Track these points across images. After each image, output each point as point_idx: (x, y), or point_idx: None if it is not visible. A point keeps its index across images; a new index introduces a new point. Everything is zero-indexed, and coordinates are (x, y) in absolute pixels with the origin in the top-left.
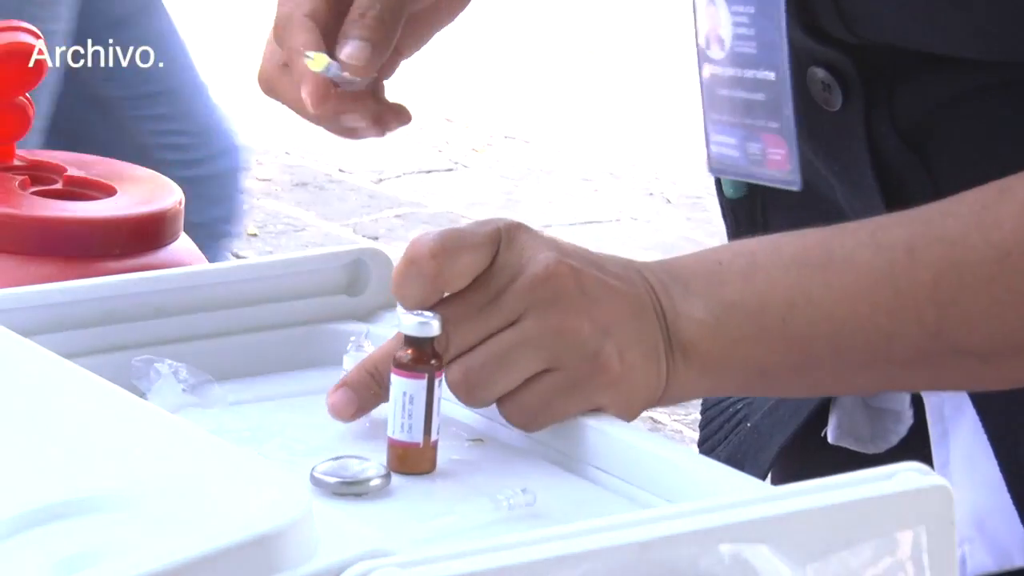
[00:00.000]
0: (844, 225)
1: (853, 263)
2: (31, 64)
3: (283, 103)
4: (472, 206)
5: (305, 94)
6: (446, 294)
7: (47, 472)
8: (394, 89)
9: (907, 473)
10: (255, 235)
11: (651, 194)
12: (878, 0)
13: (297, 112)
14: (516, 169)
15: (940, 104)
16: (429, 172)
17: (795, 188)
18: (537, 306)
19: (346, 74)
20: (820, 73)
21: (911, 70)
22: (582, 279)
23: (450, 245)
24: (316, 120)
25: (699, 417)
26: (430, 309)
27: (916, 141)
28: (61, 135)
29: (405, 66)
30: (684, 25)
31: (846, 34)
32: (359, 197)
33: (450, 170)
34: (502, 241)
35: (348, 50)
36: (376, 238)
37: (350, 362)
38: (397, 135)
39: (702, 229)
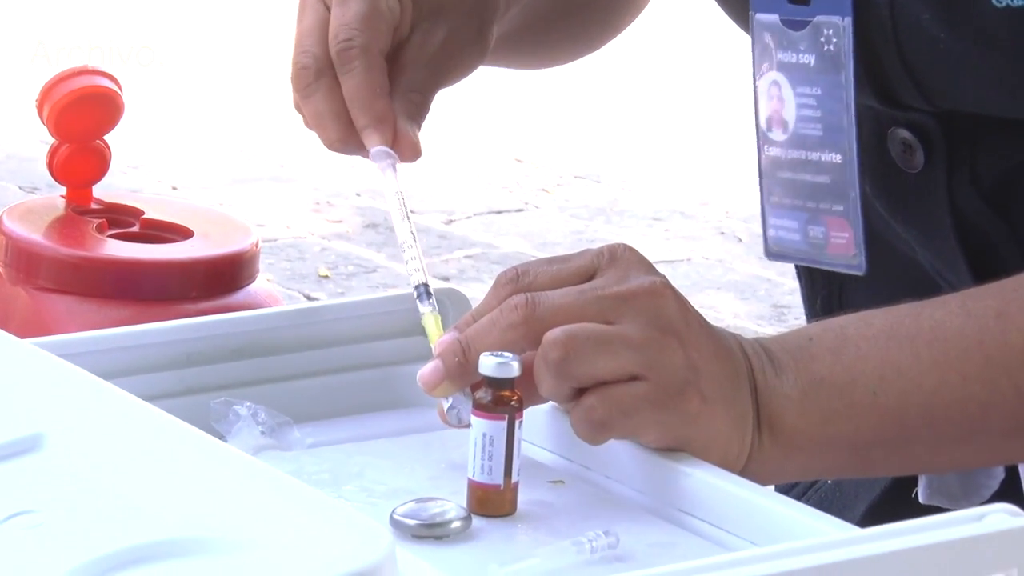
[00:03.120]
0: (935, 298)
1: (942, 332)
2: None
3: (307, 110)
4: (543, 246)
5: (370, 139)
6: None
7: (128, 515)
8: (464, 131)
9: (997, 515)
10: (327, 277)
11: (722, 233)
12: (955, 74)
13: (316, 126)
14: (586, 209)
15: (1022, 164)
16: (499, 212)
17: (859, 273)
18: (638, 315)
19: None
20: (902, 134)
21: (993, 131)
22: (685, 312)
23: (533, 264)
24: (334, 146)
25: None
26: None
27: (999, 202)
28: None
29: (475, 107)
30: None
31: (925, 105)
32: (429, 238)
33: (520, 210)
34: (603, 260)
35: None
36: (447, 279)
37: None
38: (467, 176)
39: (774, 268)
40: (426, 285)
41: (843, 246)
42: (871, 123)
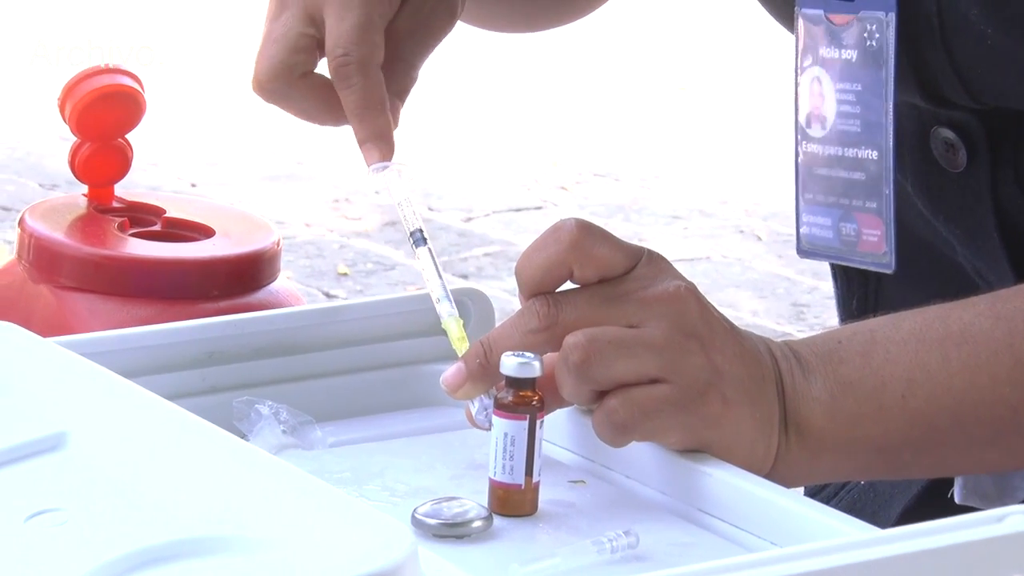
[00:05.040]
0: (963, 300)
1: (971, 335)
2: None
3: (289, 110)
4: None
5: (371, 153)
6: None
7: (151, 514)
8: (484, 129)
9: (1017, 516)
10: (346, 274)
11: (742, 232)
12: (1002, 71)
13: (304, 118)
14: (605, 207)
15: None
16: (518, 210)
17: (888, 271)
18: (660, 319)
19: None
20: (945, 133)
21: None
22: (708, 316)
23: (596, 230)
24: (321, 123)
25: None
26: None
27: None
28: None
29: (495, 106)
30: (771, 63)
31: (970, 102)
32: (448, 236)
33: (539, 208)
34: (644, 257)
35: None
36: (466, 277)
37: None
38: (486, 174)
39: (792, 267)
40: (444, 288)
41: (874, 244)
42: (913, 122)
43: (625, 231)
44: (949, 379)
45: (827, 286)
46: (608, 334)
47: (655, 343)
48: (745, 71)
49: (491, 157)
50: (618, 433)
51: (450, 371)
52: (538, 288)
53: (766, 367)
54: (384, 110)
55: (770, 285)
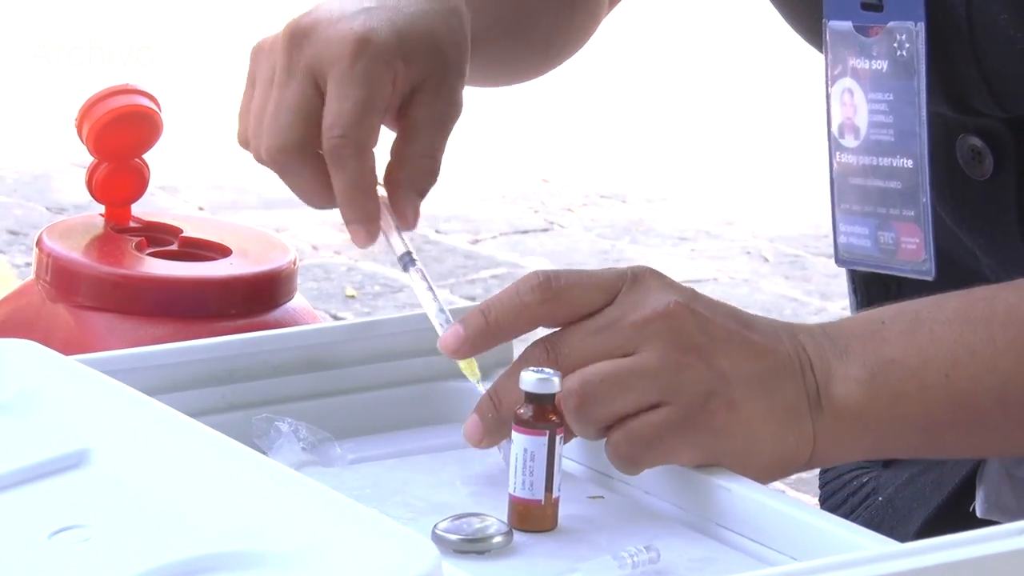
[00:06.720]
0: (1008, 282)
1: (1018, 315)
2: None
3: (288, 182)
4: (568, 265)
5: (359, 236)
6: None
7: (175, 530)
8: (490, 151)
9: None
10: (353, 296)
11: (748, 253)
12: None
13: (297, 194)
14: (612, 228)
15: None
16: (525, 232)
17: (928, 278)
18: (654, 340)
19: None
20: (972, 141)
21: None
22: (705, 324)
23: (561, 277)
24: (312, 203)
25: (801, 476)
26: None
27: None
28: None
29: (502, 127)
30: (780, 87)
31: (998, 111)
32: (455, 258)
33: (546, 230)
34: (627, 280)
35: (412, 207)
36: (474, 299)
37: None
38: (493, 196)
39: (800, 288)
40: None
41: (913, 251)
42: (939, 131)
43: (632, 252)
44: (994, 359)
45: (835, 307)
46: (600, 372)
47: (650, 368)
48: (753, 93)
49: (497, 179)
50: (628, 466)
51: (469, 424)
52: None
53: (784, 355)
54: (374, 194)
55: (777, 306)
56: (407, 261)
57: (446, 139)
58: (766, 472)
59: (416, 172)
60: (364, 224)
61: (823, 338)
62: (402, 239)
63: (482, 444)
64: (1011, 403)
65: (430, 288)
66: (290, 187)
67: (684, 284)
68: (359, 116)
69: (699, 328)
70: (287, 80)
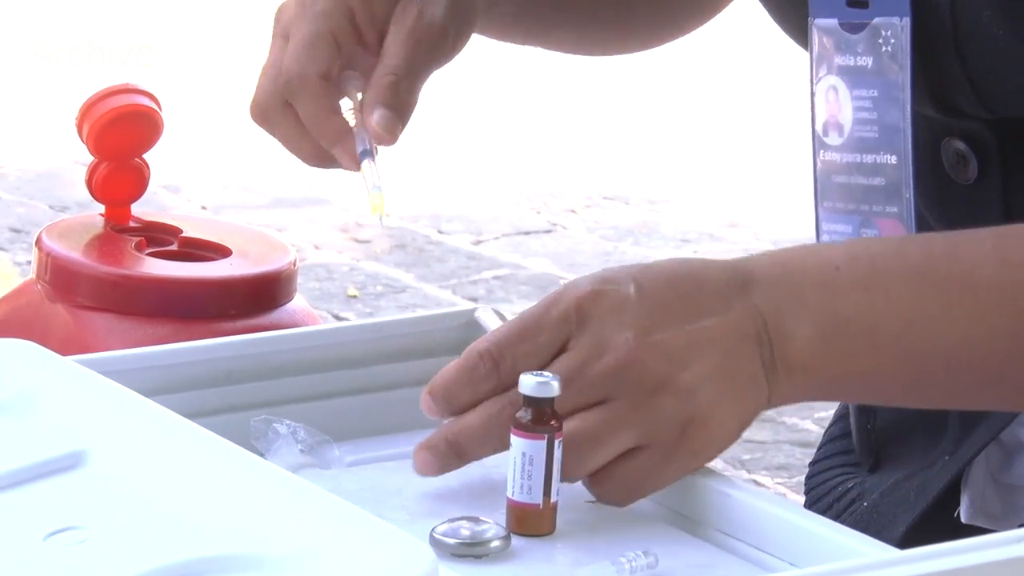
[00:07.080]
0: (969, 233)
1: (976, 279)
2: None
3: (277, 138)
4: (571, 267)
5: (343, 158)
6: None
7: (172, 532)
8: (493, 152)
9: None
10: (355, 296)
11: (751, 255)
12: (1013, 76)
13: (290, 150)
14: (615, 230)
15: None
16: (528, 233)
17: None
18: (621, 388)
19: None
20: (957, 144)
21: None
22: (668, 349)
23: (506, 344)
24: (311, 162)
25: (803, 480)
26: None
27: None
28: None
29: (505, 128)
30: (781, 90)
31: (983, 111)
32: (458, 259)
33: (549, 231)
34: (573, 324)
35: (377, 119)
36: (476, 299)
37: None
38: (496, 197)
39: None
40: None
41: None
42: (925, 134)
43: (634, 254)
44: (948, 326)
45: None
46: (577, 432)
47: (624, 418)
48: (756, 96)
49: (500, 179)
50: (619, 505)
51: (423, 461)
52: None
53: (740, 324)
54: (336, 114)
55: None
56: (364, 156)
57: (419, 60)
58: (732, 438)
59: (378, 89)
60: (337, 143)
61: (778, 286)
62: (368, 141)
63: (440, 473)
64: (959, 369)
65: (376, 173)
66: (286, 147)
67: (618, 267)
68: (300, 51)
69: (663, 359)
70: (274, 43)
